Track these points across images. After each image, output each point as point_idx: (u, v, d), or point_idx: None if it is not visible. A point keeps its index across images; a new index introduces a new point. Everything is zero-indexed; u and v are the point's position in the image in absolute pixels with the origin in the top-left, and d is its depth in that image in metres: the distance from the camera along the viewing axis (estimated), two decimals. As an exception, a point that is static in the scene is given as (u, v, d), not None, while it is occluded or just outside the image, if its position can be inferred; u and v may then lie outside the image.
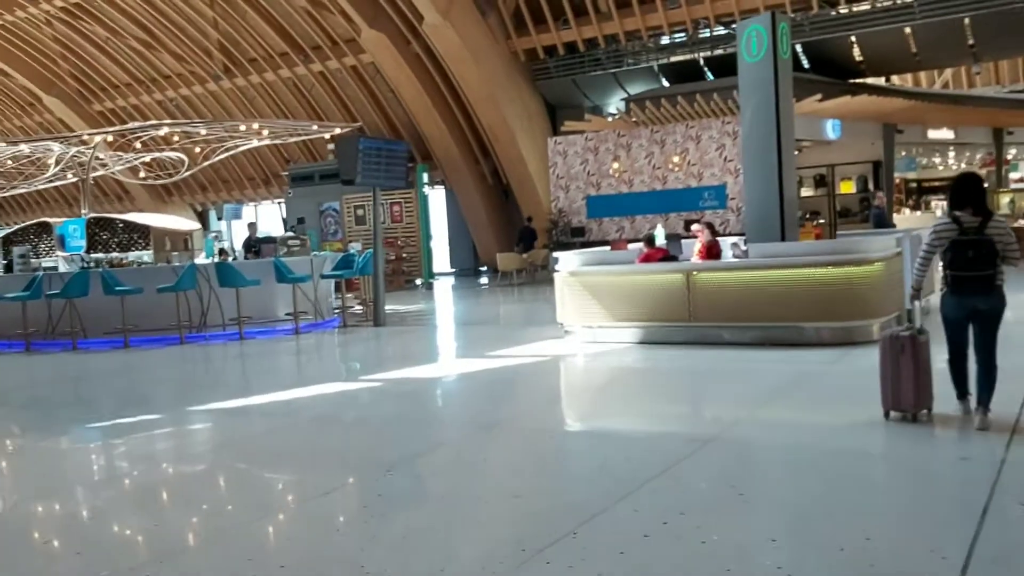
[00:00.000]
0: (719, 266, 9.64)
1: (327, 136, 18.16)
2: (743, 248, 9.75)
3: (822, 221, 22.12)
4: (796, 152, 11.26)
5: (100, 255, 15.48)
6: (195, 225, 17.15)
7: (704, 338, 9.36)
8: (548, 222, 22.33)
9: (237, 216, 29.00)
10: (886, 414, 5.64)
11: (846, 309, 8.75)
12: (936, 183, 26.84)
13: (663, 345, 9.50)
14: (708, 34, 21.98)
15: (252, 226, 16.36)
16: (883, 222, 13.67)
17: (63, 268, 14.77)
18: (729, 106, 19.48)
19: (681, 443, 5.37)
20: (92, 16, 26.67)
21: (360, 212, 23.83)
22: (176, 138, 17.29)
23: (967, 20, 19.68)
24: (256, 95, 27.57)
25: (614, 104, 25.11)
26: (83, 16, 26.77)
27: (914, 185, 26.72)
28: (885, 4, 20.39)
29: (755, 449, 5.37)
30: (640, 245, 10.66)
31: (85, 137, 16.07)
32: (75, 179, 18.01)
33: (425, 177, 24.39)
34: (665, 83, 23.64)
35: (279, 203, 30.61)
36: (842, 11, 20.87)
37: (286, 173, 27.67)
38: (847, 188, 23.10)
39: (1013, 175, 24.78)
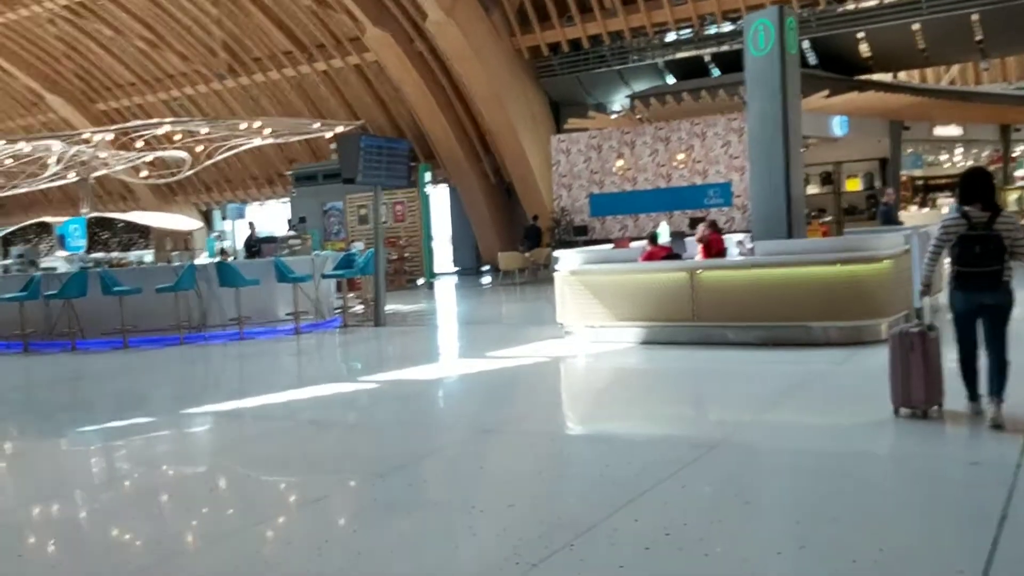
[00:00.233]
0: (724, 264, 9.44)
1: (329, 135, 18.01)
2: (748, 246, 9.57)
3: (829, 219, 21.92)
4: (802, 149, 11.06)
5: (100, 255, 15.35)
6: (196, 224, 17.03)
7: (708, 338, 9.16)
8: (550, 220, 22.17)
9: (241, 216, 28.95)
10: (896, 410, 5.59)
11: (854, 308, 8.55)
12: (943, 180, 26.62)
13: (666, 345, 9.32)
14: (714, 30, 21.77)
15: (252, 225, 16.24)
16: (891, 219, 13.46)
17: (63, 268, 14.66)
18: (735, 102, 19.29)
19: (685, 448, 5.20)
20: (95, 15, 26.59)
21: (363, 211, 23.69)
22: (178, 137, 17.17)
23: (975, 16, 19.46)
24: (260, 94, 27.46)
25: (618, 101, 24.91)
26: (86, 15, 26.68)
27: (920, 182, 26.50)
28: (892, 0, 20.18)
29: (761, 454, 5.18)
30: (643, 243, 10.48)
31: (86, 135, 15.94)
32: (77, 178, 17.90)
33: (428, 176, 24.26)
34: (670, 80, 23.45)
35: (283, 203, 30.52)
36: (849, 7, 20.67)
37: (290, 173, 27.57)
38: (853, 185, 22.89)
39: (1019, 172, 24.55)
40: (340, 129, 16.99)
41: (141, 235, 15.71)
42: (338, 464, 5.60)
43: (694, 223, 15.85)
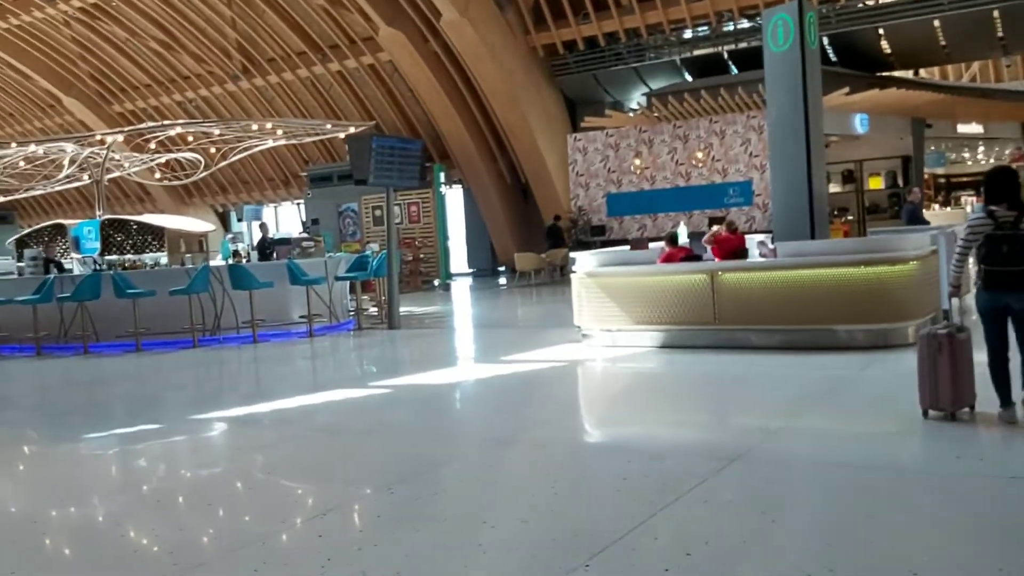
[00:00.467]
0: (745, 266, 9.20)
1: (342, 136, 17.87)
2: (770, 247, 9.32)
3: (850, 218, 21.61)
4: (824, 147, 10.81)
5: (114, 257, 15.25)
6: (210, 226, 16.87)
7: (730, 342, 8.91)
8: (567, 221, 21.94)
9: (257, 217, 28.87)
10: (925, 413, 5.51)
11: (880, 311, 8.29)
12: (965, 179, 26.24)
13: (686, 349, 9.08)
14: (732, 27, 21.47)
15: (264, 227, 16.12)
16: (917, 218, 13.13)
17: (77, 270, 14.58)
18: (754, 100, 19.03)
19: (706, 459, 4.97)
20: (110, 17, 26.59)
21: (378, 213, 23.56)
22: (191, 138, 17.08)
23: (996, 12, 19.08)
24: (275, 95, 27.39)
25: (635, 99, 24.66)
26: (101, 17, 26.68)
27: (943, 181, 26.13)
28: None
29: (787, 466, 4.95)
30: (661, 244, 10.25)
31: (98, 137, 15.87)
32: (91, 180, 17.83)
33: (442, 176, 24.09)
34: (688, 77, 23.18)
35: (298, 204, 30.46)
36: (869, 2, 20.32)
37: (305, 174, 27.49)
38: (876, 184, 22.57)
39: (1041, 170, 24.13)
40: (352, 130, 16.83)
41: (155, 237, 15.58)
42: (346, 475, 5.42)
43: (713, 223, 15.60)
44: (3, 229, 28.99)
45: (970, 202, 23.59)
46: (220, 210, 33.64)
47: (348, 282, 14.18)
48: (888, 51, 21.36)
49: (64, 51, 29.18)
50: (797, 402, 6.53)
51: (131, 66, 28.96)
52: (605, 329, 9.78)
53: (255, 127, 15.64)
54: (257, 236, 16.72)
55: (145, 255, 15.58)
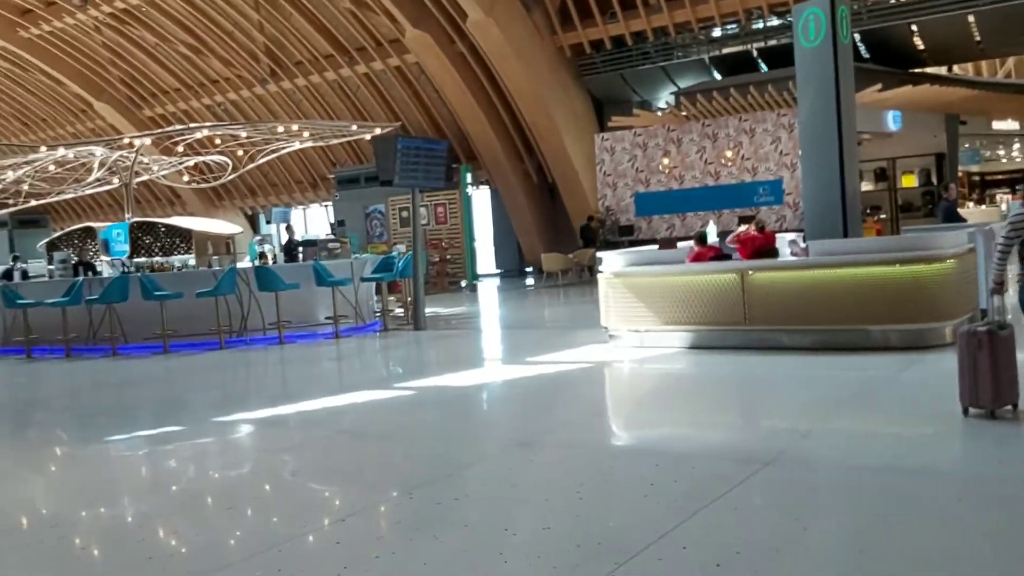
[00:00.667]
0: (776, 265, 9.01)
1: (368, 137, 17.85)
2: (802, 245, 9.12)
3: (883, 216, 21.25)
4: (857, 144, 10.58)
5: (143, 259, 15.35)
6: (237, 228, 16.93)
7: (761, 342, 8.72)
8: (595, 221, 21.77)
9: (286, 219, 28.99)
10: (965, 410, 5.42)
11: (916, 310, 8.06)
12: (1000, 176, 25.75)
13: (715, 350, 8.90)
14: (761, 25, 21.19)
15: (291, 229, 16.13)
16: (953, 216, 12.80)
17: (106, 273, 14.67)
18: (784, 98, 18.77)
19: (737, 463, 4.82)
20: (140, 22, 26.82)
21: (405, 214, 23.54)
22: (219, 141, 17.14)
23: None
24: (302, 98, 27.49)
25: (663, 98, 24.43)
26: (131, 22, 26.92)
27: (977, 178, 25.65)
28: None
29: (820, 471, 4.78)
30: (690, 243, 10.07)
31: (126, 140, 15.97)
32: (120, 184, 17.96)
33: (469, 177, 24.01)
34: (717, 76, 22.93)
35: (326, 206, 30.54)
36: (902, -2, 19.97)
37: (332, 176, 27.55)
38: (909, 182, 22.19)
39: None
40: (378, 131, 16.80)
41: (183, 239, 15.66)
42: (369, 478, 5.33)
43: (743, 222, 15.38)
44: (36, 232, 29.40)
45: (1005, 200, 23.12)
46: (249, 212, 33.83)
47: (374, 283, 14.14)
48: (921, 47, 20.97)
49: (95, 56, 29.48)
50: (830, 404, 6.35)
51: (161, 71, 29.20)
52: (632, 330, 9.63)
53: (281, 129, 15.67)
54: (285, 238, 16.74)
55: (173, 257, 15.67)
